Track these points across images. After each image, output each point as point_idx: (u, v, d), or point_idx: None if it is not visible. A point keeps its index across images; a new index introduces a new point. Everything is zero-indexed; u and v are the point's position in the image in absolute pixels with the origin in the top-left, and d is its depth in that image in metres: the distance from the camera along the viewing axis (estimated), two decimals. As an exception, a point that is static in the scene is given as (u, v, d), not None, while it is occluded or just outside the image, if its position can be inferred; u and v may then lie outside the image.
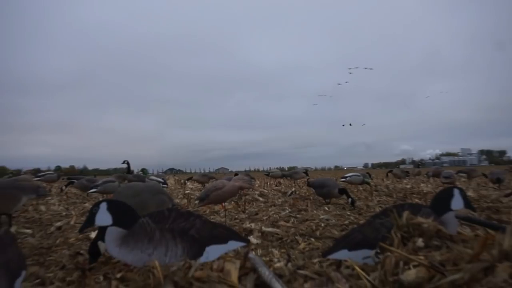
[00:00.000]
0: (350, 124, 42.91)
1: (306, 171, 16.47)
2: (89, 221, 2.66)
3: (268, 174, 18.04)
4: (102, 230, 2.85)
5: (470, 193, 8.22)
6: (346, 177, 10.96)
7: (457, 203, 2.86)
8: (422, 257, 1.98)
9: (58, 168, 14.78)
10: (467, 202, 2.89)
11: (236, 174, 13.22)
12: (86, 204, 8.38)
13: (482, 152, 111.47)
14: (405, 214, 2.53)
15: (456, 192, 2.89)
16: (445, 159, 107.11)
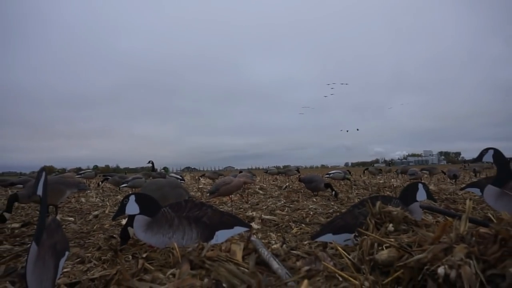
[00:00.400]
0: (347, 131, 42.84)
1: (297, 169, 16.44)
2: (121, 211, 2.69)
3: (266, 171, 18.03)
4: (131, 218, 2.86)
5: (432, 187, 8.19)
6: (330, 173, 10.95)
7: (421, 195, 2.86)
8: (392, 240, 1.98)
9: (95, 167, 14.86)
10: (429, 194, 2.89)
11: (240, 172, 13.23)
12: (118, 197, 8.38)
13: (441, 153, 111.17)
14: (378, 204, 2.53)
15: (420, 186, 2.89)
16: (411, 159, 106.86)
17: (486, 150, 3.38)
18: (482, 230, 1.74)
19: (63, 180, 5.36)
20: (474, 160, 3.56)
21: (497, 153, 3.29)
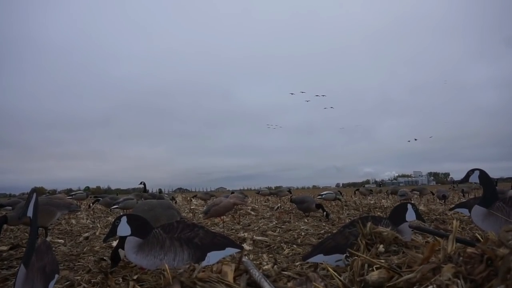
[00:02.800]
0: (415, 139, 42.74)
1: (289, 190, 16.42)
2: (112, 232, 2.67)
3: (258, 192, 17.99)
4: (122, 239, 2.83)
5: (421, 208, 8.22)
6: (322, 194, 10.94)
7: (410, 215, 2.89)
8: (383, 261, 1.98)
9: (87, 188, 14.68)
10: (418, 215, 2.92)
11: (232, 193, 13.16)
12: (109, 218, 8.25)
13: (430, 174, 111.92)
14: (369, 224, 2.54)
15: (409, 206, 2.92)
16: (401, 179, 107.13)
17: (472, 171, 3.44)
18: (469, 250, 1.76)
19: (54, 201, 5.29)
20: (461, 181, 3.61)
21: (483, 174, 3.35)
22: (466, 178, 3.47)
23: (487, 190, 3.27)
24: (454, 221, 2.11)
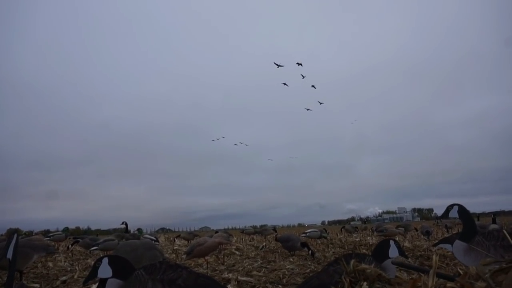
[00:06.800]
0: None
1: (274, 228, 16.26)
2: (92, 274, 2.60)
3: (243, 231, 17.74)
4: (103, 282, 2.75)
5: (406, 244, 8.25)
6: (306, 232, 10.88)
7: (393, 252, 2.92)
8: (366, 298, 1.99)
9: (66, 229, 14.16)
10: (401, 251, 2.95)
11: (216, 232, 12.95)
12: (89, 261, 7.96)
13: (414, 210, 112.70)
14: (352, 262, 2.56)
15: (391, 243, 2.96)
16: (386, 216, 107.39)
17: (451, 206, 3.54)
18: (449, 284, 1.80)
19: (30, 243, 5.12)
20: (441, 216, 3.70)
21: (462, 209, 3.44)
22: (446, 213, 3.56)
23: (467, 224, 3.36)
24: (434, 256, 2.15)
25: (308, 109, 36.45)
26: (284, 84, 32.79)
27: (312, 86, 33.11)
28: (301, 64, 29.85)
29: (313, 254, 6.85)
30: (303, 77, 30.76)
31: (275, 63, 29.25)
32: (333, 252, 7.87)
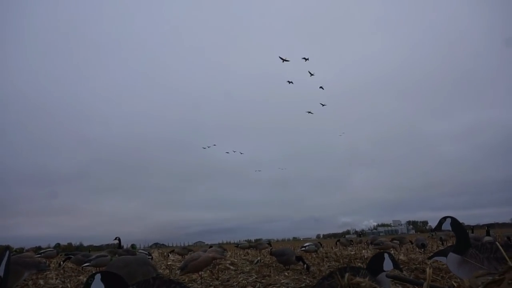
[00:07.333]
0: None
1: (269, 242, 16.18)
2: (85, 291, 2.56)
3: (237, 245, 17.62)
4: (95, 298, 2.71)
5: (401, 257, 8.24)
6: (305, 246, 10.85)
7: (387, 265, 2.93)
8: (361, 311, 1.99)
9: (57, 245, 13.92)
10: (396, 264, 2.96)
11: (210, 247, 12.84)
12: (81, 277, 7.83)
13: (409, 222, 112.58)
14: (346, 275, 2.56)
15: (386, 256, 2.97)
16: (381, 229, 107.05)
17: (444, 218, 3.56)
18: (443, 297, 1.81)
19: (21, 260, 5.05)
20: (434, 229, 3.72)
21: (454, 221, 3.47)
22: (439, 226, 3.58)
23: (460, 237, 3.38)
24: (428, 269, 2.16)
25: (309, 112, 36.07)
26: (290, 82, 31.76)
27: (320, 87, 32.49)
28: (307, 59, 28.85)
29: (308, 268, 6.81)
30: (311, 74, 29.79)
31: (280, 57, 28.16)
32: (328, 266, 7.83)
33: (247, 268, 8.10)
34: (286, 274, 6.67)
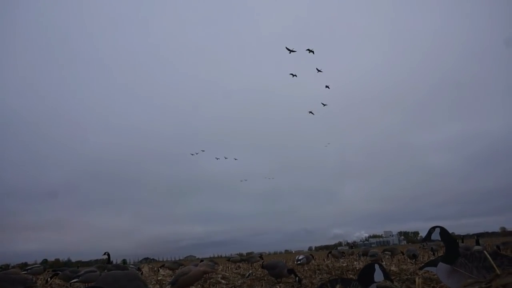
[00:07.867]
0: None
1: (261, 255, 16.09)
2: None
3: (229, 259, 17.51)
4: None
5: (393, 268, 8.25)
6: (300, 260, 10.81)
7: (378, 275, 2.94)
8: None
9: (44, 261, 13.72)
10: (386, 274, 2.98)
11: (201, 261, 12.70)
12: (68, 294, 7.66)
13: (400, 233, 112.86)
14: (338, 287, 2.56)
15: (376, 266, 2.99)
16: (372, 240, 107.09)
17: (433, 228, 3.60)
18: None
19: (7, 277, 4.94)
20: (424, 239, 3.76)
21: (443, 231, 3.51)
22: (428, 236, 3.61)
23: (449, 246, 3.41)
24: (417, 279, 2.18)
25: (310, 112, 35.91)
26: (293, 75, 31.28)
27: (326, 86, 32.22)
28: (312, 52, 27.94)
29: (300, 281, 6.77)
30: (318, 71, 29.40)
31: (286, 48, 27.72)
32: (320, 278, 7.79)
33: (239, 282, 8.03)
34: (278, 287, 6.62)
